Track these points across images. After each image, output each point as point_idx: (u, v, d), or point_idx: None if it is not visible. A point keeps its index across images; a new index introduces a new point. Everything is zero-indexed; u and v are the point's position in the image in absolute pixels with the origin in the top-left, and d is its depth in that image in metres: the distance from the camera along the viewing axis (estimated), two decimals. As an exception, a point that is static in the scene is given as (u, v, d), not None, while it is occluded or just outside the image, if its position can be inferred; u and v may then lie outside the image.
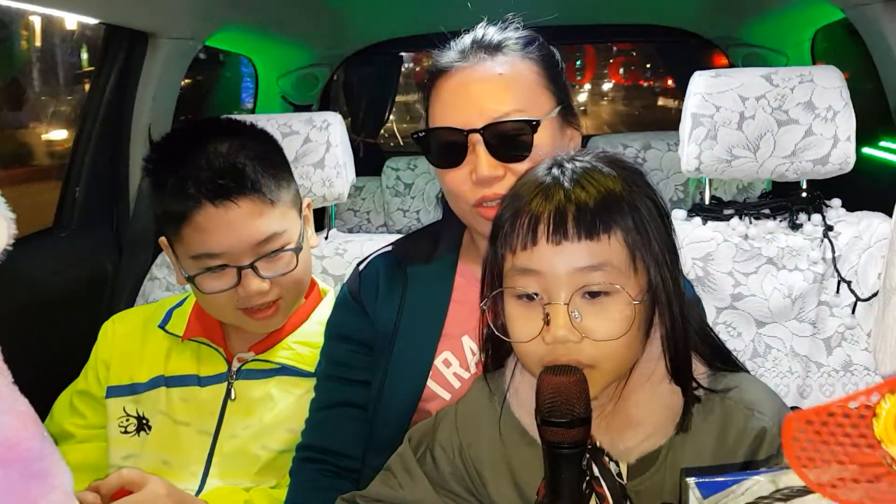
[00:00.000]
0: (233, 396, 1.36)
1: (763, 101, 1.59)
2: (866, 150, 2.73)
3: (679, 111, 1.72)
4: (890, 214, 1.65)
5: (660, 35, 3.67)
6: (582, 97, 11.98)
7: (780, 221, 1.68)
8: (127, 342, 1.44)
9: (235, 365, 1.37)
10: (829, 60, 2.69)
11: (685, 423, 0.91)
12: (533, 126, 1.15)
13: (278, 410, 1.36)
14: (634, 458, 0.92)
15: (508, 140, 1.15)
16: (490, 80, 1.18)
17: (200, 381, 1.38)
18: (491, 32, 1.22)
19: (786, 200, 1.70)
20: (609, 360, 0.88)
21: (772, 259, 1.64)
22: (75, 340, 1.54)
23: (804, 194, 1.69)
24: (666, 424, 0.92)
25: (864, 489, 0.47)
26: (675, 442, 0.92)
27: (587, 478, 0.87)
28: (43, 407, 1.48)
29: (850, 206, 1.70)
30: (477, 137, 1.15)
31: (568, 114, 1.24)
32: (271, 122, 1.81)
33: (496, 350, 1.01)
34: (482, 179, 1.14)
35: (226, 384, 1.36)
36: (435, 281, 1.28)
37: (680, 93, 2.15)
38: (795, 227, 1.66)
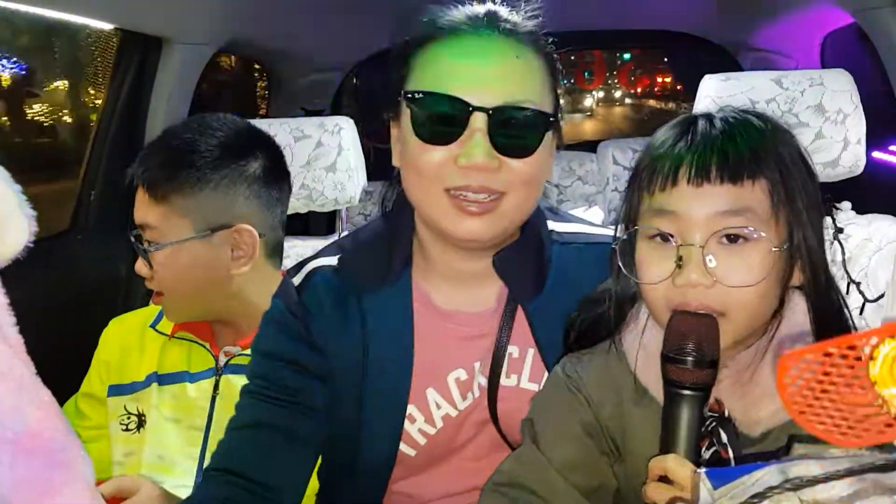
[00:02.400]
0: (219, 391, 1.36)
1: (773, 105, 1.60)
2: (876, 154, 2.72)
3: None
4: (900, 217, 1.65)
5: (669, 40, 3.67)
6: (590, 101, 12.00)
7: (790, 224, 1.68)
8: (126, 343, 1.46)
9: (222, 359, 1.38)
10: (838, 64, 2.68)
11: None
12: (549, 122, 1.02)
13: None
14: (760, 431, 0.88)
15: (516, 130, 0.99)
16: (507, 59, 1.01)
17: (190, 378, 1.39)
18: (507, 11, 1.06)
19: (796, 203, 1.70)
20: (741, 309, 0.84)
21: (782, 261, 1.64)
22: (89, 341, 1.55)
23: (814, 197, 1.69)
24: None
25: (852, 426, 0.48)
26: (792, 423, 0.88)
27: (713, 444, 0.84)
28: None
29: (859, 209, 1.70)
30: (481, 117, 0.97)
31: (559, 127, 1.09)
32: (284, 127, 1.83)
33: (622, 300, 0.98)
34: (473, 167, 0.97)
35: (213, 379, 1.37)
36: (394, 317, 1.12)
37: (688, 97, 2.16)
38: (805, 229, 1.66)
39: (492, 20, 1.03)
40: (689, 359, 0.77)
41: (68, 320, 1.80)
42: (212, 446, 1.33)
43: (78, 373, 1.52)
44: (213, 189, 1.31)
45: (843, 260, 1.61)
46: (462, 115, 0.98)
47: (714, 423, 0.84)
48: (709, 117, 0.90)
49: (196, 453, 1.36)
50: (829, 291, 0.90)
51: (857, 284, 1.60)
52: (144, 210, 1.33)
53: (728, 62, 3.34)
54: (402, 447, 1.12)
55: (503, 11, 1.05)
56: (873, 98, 1.81)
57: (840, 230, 1.63)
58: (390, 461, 1.13)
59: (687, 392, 0.77)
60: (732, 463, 0.82)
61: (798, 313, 0.90)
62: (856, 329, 0.96)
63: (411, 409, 1.11)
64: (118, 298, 1.98)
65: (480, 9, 1.05)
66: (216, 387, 1.37)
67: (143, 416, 1.39)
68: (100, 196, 2.05)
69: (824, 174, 1.61)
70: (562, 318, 1.07)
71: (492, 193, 0.99)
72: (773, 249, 0.85)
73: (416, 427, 1.12)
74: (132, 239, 1.34)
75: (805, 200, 0.88)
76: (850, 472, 0.49)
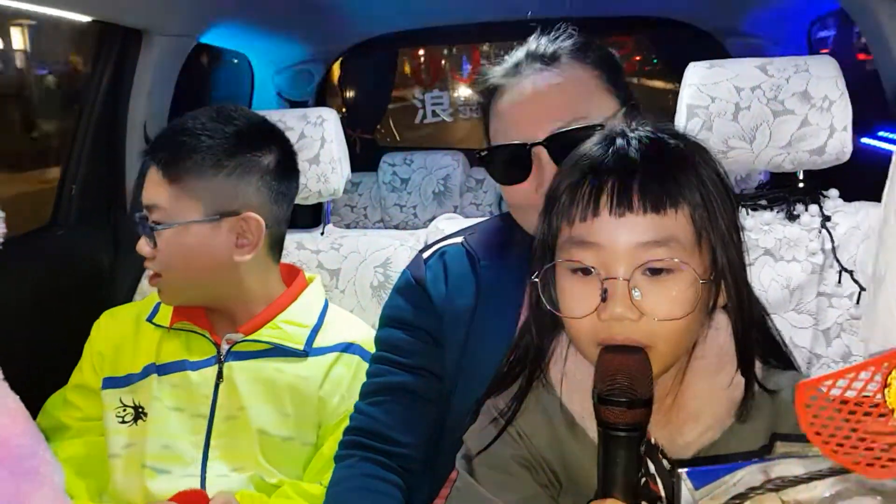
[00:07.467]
0: (223, 378, 1.38)
1: (758, 92, 1.58)
2: (864, 140, 2.72)
3: (675, 99, 1.71)
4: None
5: (655, 27, 3.65)
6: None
7: (778, 212, 1.68)
8: (120, 335, 1.47)
9: (224, 347, 1.40)
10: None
11: (743, 413, 0.86)
12: (598, 130, 1.09)
13: (272, 391, 1.38)
14: (692, 453, 0.87)
15: (573, 148, 1.03)
16: (547, 91, 1.17)
17: (191, 366, 1.40)
18: (543, 43, 1.22)
19: (783, 191, 1.69)
20: (667, 341, 0.83)
21: (769, 250, 1.63)
22: (72, 337, 1.54)
23: (801, 185, 1.69)
24: (723, 417, 0.88)
25: (878, 456, 0.46)
26: (721, 440, 0.88)
27: (641, 474, 0.82)
28: (39, 403, 1.48)
29: (848, 196, 1.69)
30: (540, 150, 1.14)
31: (634, 114, 1.20)
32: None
33: (542, 332, 0.95)
34: None
35: (216, 367, 1.39)
36: (508, 278, 1.22)
37: (676, 83, 2.15)
38: (793, 217, 1.66)
39: (531, 59, 1.21)
40: (623, 399, 0.75)
41: (51, 316, 1.79)
42: (215, 434, 1.37)
43: (60, 369, 1.51)
44: (227, 175, 1.34)
45: (833, 248, 1.60)
46: (524, 154, 1.15)
47: (643, 453, 0.82)
48: (626, 138, 0.87)
49: (200, 441, 1.37)
50: (752, 309, 0.89)
51: (851, 273, 1.59)
52: (155, 190, 1.35)
53: (715, 48, 3.33)
54: None
55: (541, 44, 1.22)
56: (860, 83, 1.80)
57: (828, 218, 1.63)
58: None
59: (622, 433, 0.75)
60: (662, 493, 0.80)
61: (720, 333, 0.89)
62: (783, 342, 0.98)
63: None
64: (101, 293, 1.95)
65: (520, 52, 1.23)
66: (219, 374, 1.38)
67: (141, 407, 1.40)
68: (81, 190, 2.03)
69: (810, 162, 1.60)
70: None
71: None
72: (700, 282, 0.83)
73: None
74: (136, 220, 1.36)
75: (727, 219, 0.87)
76: (832, 472, 0.49)
